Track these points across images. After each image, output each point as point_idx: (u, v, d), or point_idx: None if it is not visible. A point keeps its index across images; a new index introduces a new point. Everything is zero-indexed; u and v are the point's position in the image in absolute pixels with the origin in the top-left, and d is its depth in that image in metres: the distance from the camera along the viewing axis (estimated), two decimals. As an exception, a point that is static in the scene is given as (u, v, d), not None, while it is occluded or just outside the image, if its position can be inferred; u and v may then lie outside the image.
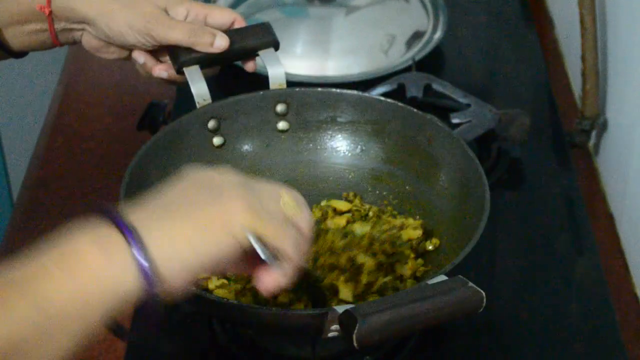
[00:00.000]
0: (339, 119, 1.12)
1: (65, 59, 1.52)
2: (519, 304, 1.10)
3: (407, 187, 1.10)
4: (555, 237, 1.20)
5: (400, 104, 1.12)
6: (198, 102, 1.06)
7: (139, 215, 0.72)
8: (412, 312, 0.80)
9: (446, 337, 1.07)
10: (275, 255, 0.76)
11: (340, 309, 0.81)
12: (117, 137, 1.36)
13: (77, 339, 0.69)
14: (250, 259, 0.76)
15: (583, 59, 1.32)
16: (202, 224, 0.73)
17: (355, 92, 1.12)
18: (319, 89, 1.13)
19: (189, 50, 1.05)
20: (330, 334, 0.83)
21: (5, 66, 1.12)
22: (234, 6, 1.51)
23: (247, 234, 0.74)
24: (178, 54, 1.05)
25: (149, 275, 0.70)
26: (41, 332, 0.67)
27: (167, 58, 1.08)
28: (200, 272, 0.73)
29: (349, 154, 1.13)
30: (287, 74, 1.36)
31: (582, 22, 1.30)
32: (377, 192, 1.12)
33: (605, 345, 1.07)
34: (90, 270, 0.68)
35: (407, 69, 1.37)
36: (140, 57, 1.07)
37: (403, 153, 1.11)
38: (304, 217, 0.79)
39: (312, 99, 1.12)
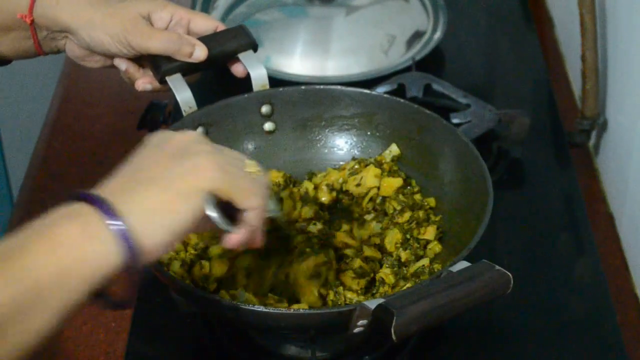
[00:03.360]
0: (324, 115, 1.13)
1: (65, 59, 1.52)
2: (519, 303, 1.10)
3: (399, 176, 1.11)
4: (555, 237, 1.20)
5: (385, 95, 1.12)
6: (184, 110, 1.06)
7: (110, 188, 0.74)
8: (445, 300, 0.81)
9: (446, 337, 1.07)
10: (235, 219, 0.79)
11: (371, 303, 0.82)
12: (117, 137, 1.36)
13: (58, 313, 0.69)
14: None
15: (583, 59, 1.32)
16: (173, 186, 0.74)
17: (338, 87, 1.12)
18: (303, 87, 1.13)
19: (169, 59, 1.05)
20: (357, 330, 0.84)
21: (6, 67, 1.12)
22: (234, 6, 1.51)
23: (205, 204, 0.75)
24: (159, 64, 1.05)
25: (129, 244, 0.70)
26: (19, 306, 0.67)
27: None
28: (180, 232, 0.74)
29: (339, 150, 1.13)
30: (287, 74, 1.38)
31: (582, 22, 1.30)
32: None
33: (605, 345, 1.07)
34: (68, 245, 0.69)
35: (407, 69, 1.37)
36: (122, 64, 1.07)
37: (394, 144, 1.11)
38: (265, 176, 0.82)
39: (296, 98, 1.12)
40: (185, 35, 1.06)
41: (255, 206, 0.79)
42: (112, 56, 1.07)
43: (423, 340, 1.05)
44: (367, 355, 1.02)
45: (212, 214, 0.76)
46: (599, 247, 1.19)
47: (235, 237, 0.80)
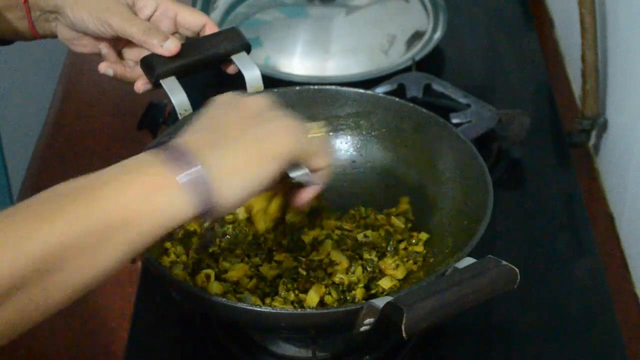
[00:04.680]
0: (320, 116, 1.12)
1: (65, 58, 1.52)
2: (518, 303, 1.10)
3: (399, 176, 1.11)
4: (555, 237, 1.20)
5: (380, 94, 1.13)
6: (180, 113, 1.06)
7: (194, 141, 0.76)
8: (454, 296, 0.82)
9: (446, 337, 1.07)
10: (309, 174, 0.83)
11: (379, 302, 0.82)
12: (117, 137, 1.36)
13: (121, 255, 0.70)
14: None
15: (583, 59, 1.32)
16: (254, 148, 0.77)
17: (333, 87, 1.12)
18: (297, 88, 1.13)
19: (163, 61, 1.05)
20: (363, 328, 0.84)
21: (6, 66, 1.12)
22: (234, 6, 1.51)
23: (288, 167, 0.80)
24: (153, 66, 1.05)
25: (205, 197, 0.73)
26: (95, 239, 0.69)
27: (129, 55, 1.09)
28: (253, 192, 0.77)
29: (336, 150, 1.13)
30: (287, 74, 1.38)
31: (582, 22, 1.30)
32: (369, 185, 1.12)
33: (605, 345, 1.07)
34: (144, 190, 0.71)
35: (407, 69, 1.37)
36: (104, 48, 1.08)
37: (390, 143, 1.11)
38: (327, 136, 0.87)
39: (290, 99, 1.12)
40: (161, 29, 1.06)
41: (325, 166, 0.83)
42: (93, 36, 1.07)
43: (423, 340, 1.05)
44: (367, 355, 1.02)
45: (300, 172, 0.81)
46: (599, 247, 1.19)
47: (312, 191, 0.85)
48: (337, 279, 1.00)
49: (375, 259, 1.02)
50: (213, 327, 1.06)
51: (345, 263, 1.01)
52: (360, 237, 1.05)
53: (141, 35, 1.04)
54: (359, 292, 0.99)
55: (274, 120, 0.80)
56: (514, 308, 1.09)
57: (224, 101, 0.82)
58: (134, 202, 0.70)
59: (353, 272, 1.01)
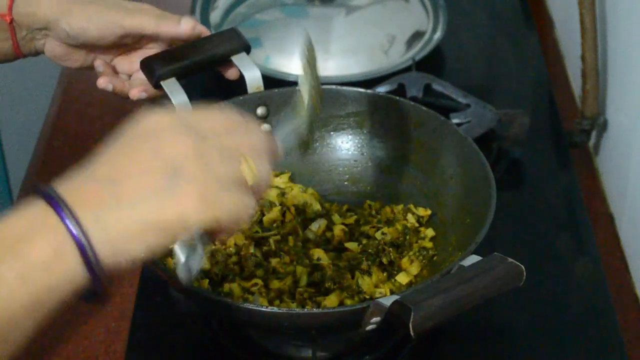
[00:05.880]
0: (320, 115, 1.12)
1: (65, 59, 1.52)
2: (518, 303, 1.10)
3: (401, 174, 1.11)
4: (555, 237, 1.20)
5: (380, 93, 1.13)
6: None
7: (82, 194, 0.70)
8: (461, 294, 0.82)
9: (446, 337, 1.07)
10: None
11: (386, 300, 0.82)
12: (117, 137, 1.36)
13: (32, 334, 0.68)
14: None
15: (583, 59, 1.32)
16: (151, 215, 0.69)
17: (333, 86, 1.12)
18: (297, 88, 1.13)
19: (163, 63, 1.05)
20: (369, 327, 0.84)
21: (6, 67, 1.11)
22: (234, 6, 1.51)
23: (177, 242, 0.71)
24: (153, 68, 1.05)
25: (94, 270, 0.67)
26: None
27: (122, 67, 1.09)
28: (146, 258, 0.70)
29: (337, 149, 1.13)
30: (287, 74, 1.38)
31: (582, 22, 1.30)
32: (371, 183, 1.12)
33: (605, 345, 1.07)
34: (40, 269, 0.67)
35: (407, 69, 1.37)
36: (99, 66, 1.07)
37: (391, 142, 1.11)
38: (261, 185, 0.75)
39: (291, 99, 1.12)
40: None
41: (231, 232, 0.73)
42: (91, 47, 1.06)
43: (423, 340, 1.05)
44: (367, 355, 1.02)
45: (179, 253, 0.72)
46: (599, 247, 1.19)
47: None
48: (365, 288, 0.99)
49: (397, 257, 1.02)
50: (213, 327, 1.06)
51: (375, 277, 1.00)
52: (378, 235, 1.05)
53: (154, 22, 1.04)
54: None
55: (185, 183, 0.69)
56: (513, 308, 1.09)
57: (142, 131, 0.72)
58: (35, 288, 0.66)
59: (383, 284, 1.01)
